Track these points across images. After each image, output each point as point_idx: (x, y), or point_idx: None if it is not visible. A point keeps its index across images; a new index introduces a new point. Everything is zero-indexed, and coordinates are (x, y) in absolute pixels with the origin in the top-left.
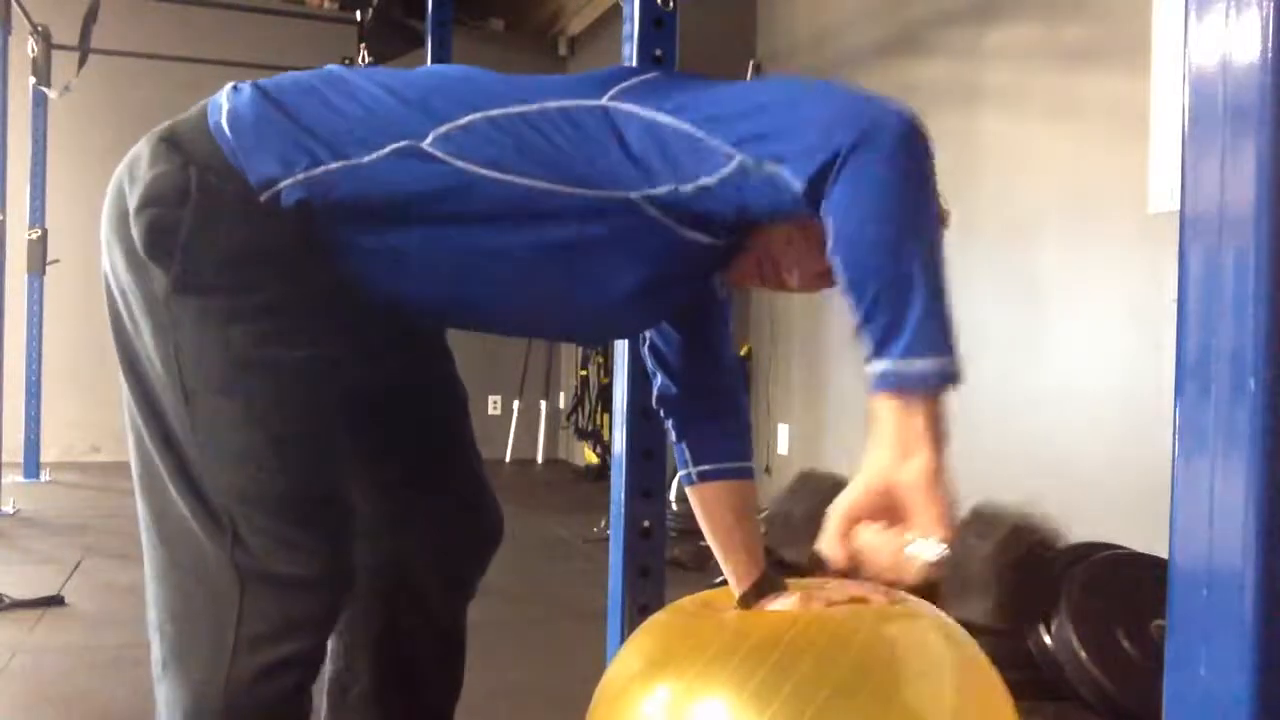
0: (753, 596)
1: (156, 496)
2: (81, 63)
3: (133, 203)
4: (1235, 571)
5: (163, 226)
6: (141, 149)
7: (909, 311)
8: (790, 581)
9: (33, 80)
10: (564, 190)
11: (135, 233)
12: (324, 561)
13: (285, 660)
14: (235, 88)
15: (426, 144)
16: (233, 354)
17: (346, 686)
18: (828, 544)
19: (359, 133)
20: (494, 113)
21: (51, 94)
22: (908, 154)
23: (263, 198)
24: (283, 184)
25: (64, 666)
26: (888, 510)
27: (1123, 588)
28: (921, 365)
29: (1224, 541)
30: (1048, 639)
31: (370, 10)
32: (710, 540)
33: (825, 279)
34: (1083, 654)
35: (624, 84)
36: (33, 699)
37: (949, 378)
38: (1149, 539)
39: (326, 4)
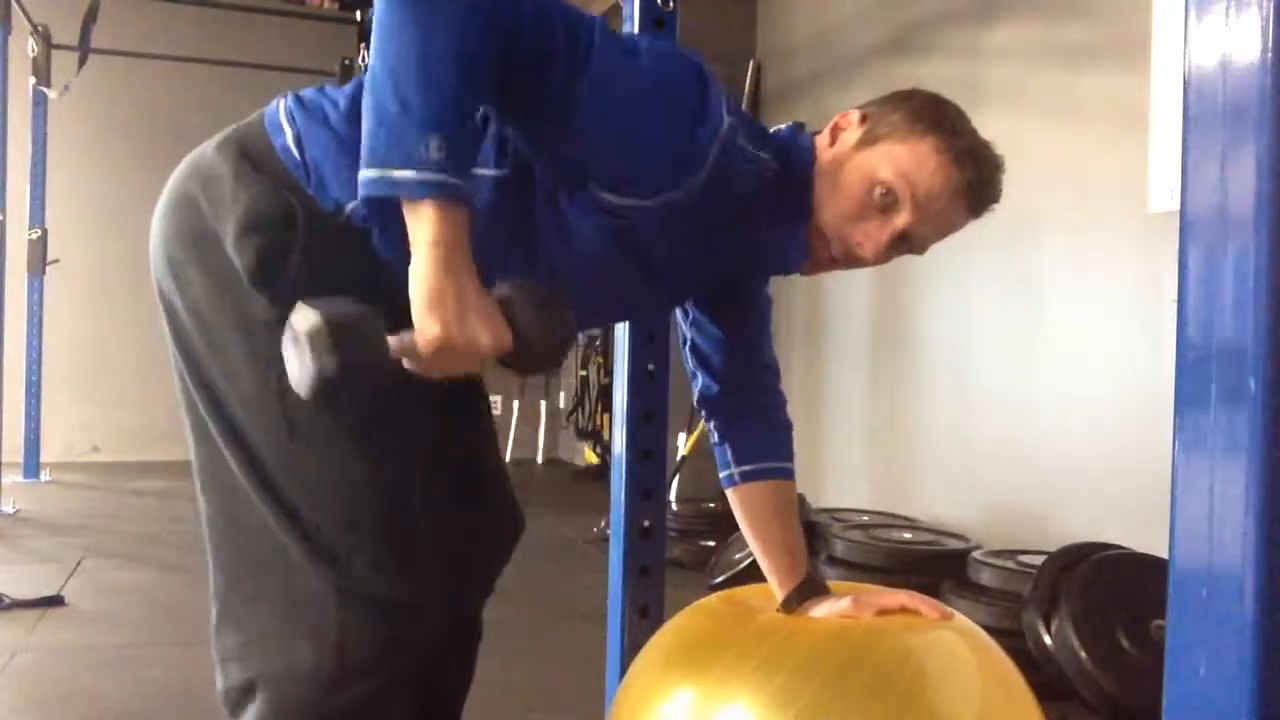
0: (796, 600)
1: (242, 515)
2: (81, 63)
3: (231, 226)
4: (1235, 571)
5: (273, 253)
6: (216, 163)
7: (368, 132)
8: (833, 585)
9: (33, 80)
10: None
11: (241, 260)
12: (426, 586)
13: (385, 688)
14: (289, 110)
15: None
16: None
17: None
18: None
19: None
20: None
21: (51, 94)
22: None
23: (342, 219)
24: (348, 207)
25: (64, 666)
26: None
27: (1123, 588)
28: (367, 175)
29: (1224, 541)
30: (1048, 639)
31: (370, 10)
32: (750, 541)
33: (871, 234)
34: (1083, 654)
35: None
36: (33, 699)
37: (377, 185)
38: (1149, 539)
39: (326, 4)
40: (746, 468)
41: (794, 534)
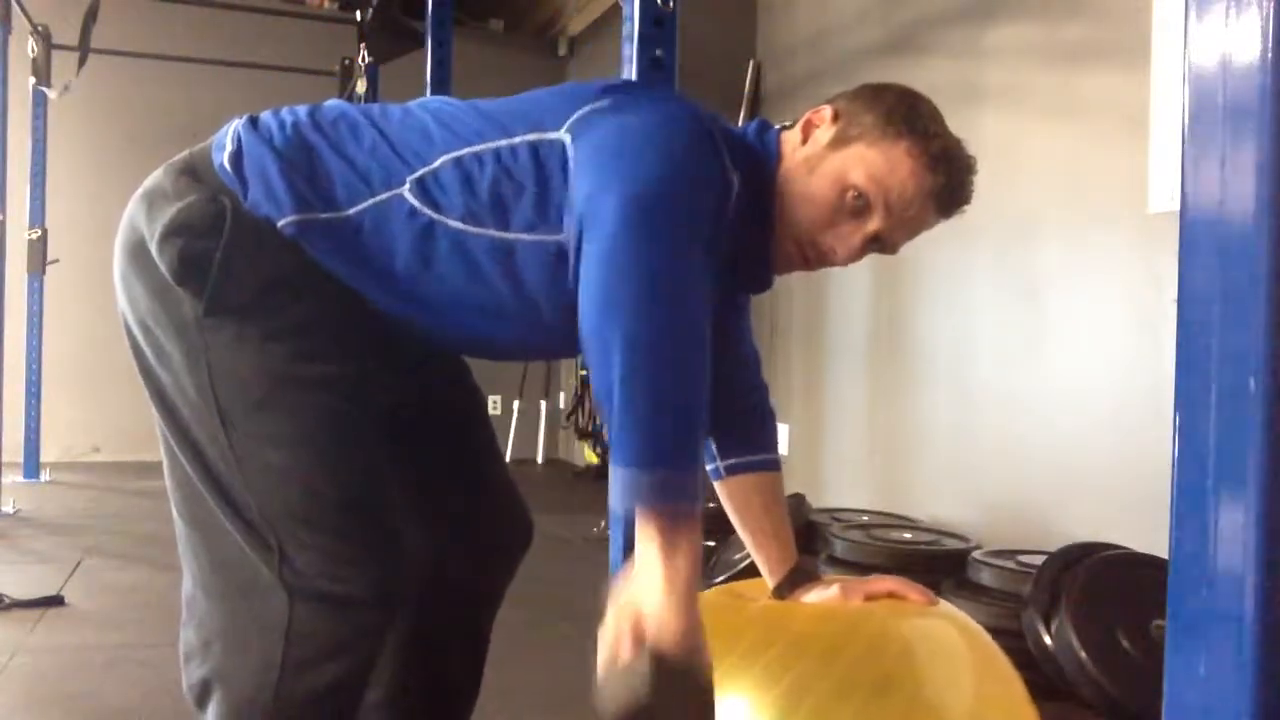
0: (787, 588)
1: (203, 519)
2: (81, 63)
3: (157, 231)
4: (1235, 571)
5: (194, 253)
6: (161, 180)
7: (613, 421)
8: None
9: (33, 80)
10: (528, 239)
11: (164, 259)
12: (374, 578)
13: (333, 683)
14: (237, 130)
15: (406, 191)
16: (270, 371)
17: (365, 689)
18: (601, 654)
19: (347, 185)
20: (462, 152)
21: (51, 94)
22: (621, 245)
23: (274, 231)
24: (280, 222)
25: (64, 666)
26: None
27: (1123, 588)
28: (623, 475)
29: (1224, 542)
30: (1048, 639)
31: (370, 10)
32: (741, 532)
33: (840, 236)
34: (1083, 654)
35: (587, 110)
36: (33, 699)
37: (653, 491)
38: (1149, 539)
39: (326, 4)
40: (732, 461)
41: (782, 523)
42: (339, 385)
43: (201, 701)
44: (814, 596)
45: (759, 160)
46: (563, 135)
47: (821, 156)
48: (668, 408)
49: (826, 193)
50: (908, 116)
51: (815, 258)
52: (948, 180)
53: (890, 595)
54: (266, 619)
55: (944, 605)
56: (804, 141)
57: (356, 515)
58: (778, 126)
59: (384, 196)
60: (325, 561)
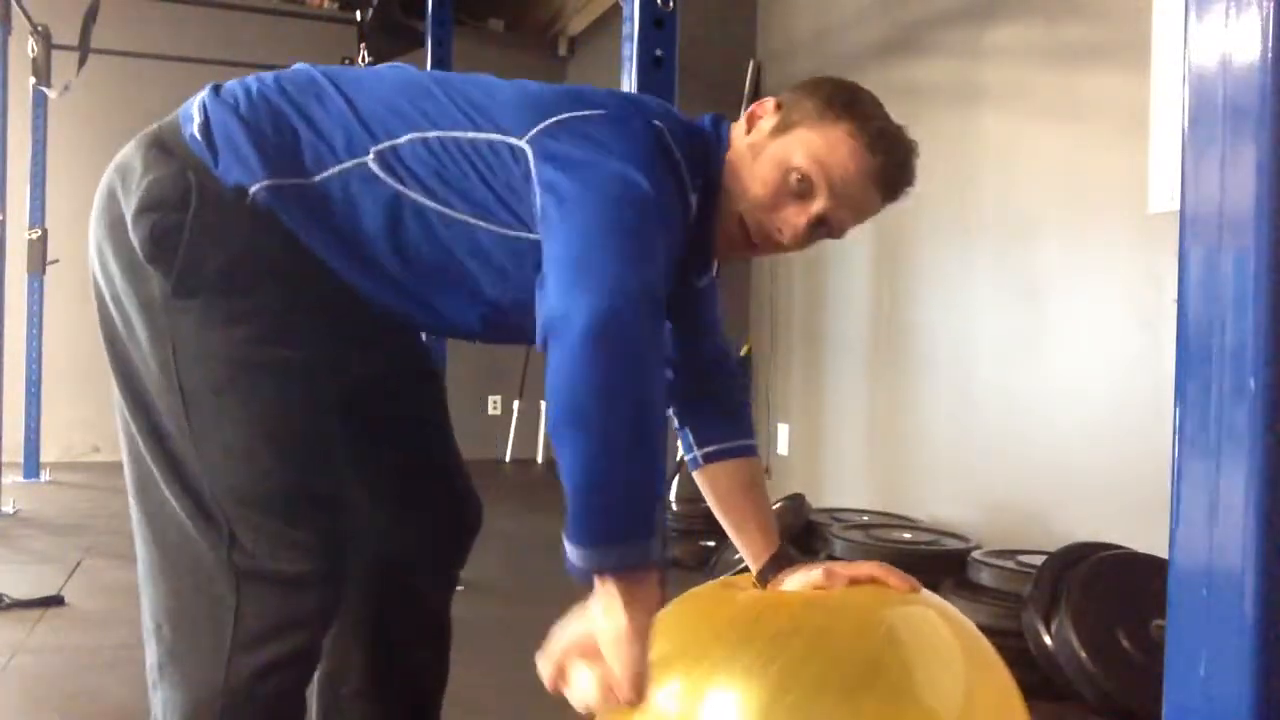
0: (770, 572)
1: (151, 500)
2: (81, 63)
3: (131, 207)
4: (1235, 571)
5: (165, 231)
6: (131, 155)
7: (570, 501)
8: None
9: (33, 80)
10: (487, 227)
11: (136, 237)
12: (320, 559)
13: (282, 659)
14: (203, 100)
15: (370, 160)
16: (232, 354)
17: (338, 684)
18: (544, 667)
19: (314, 151)
20: (430, 134)
21: (51, 94)
22: (588, 353)
23: (247, 200)
24: (251, 188)
25: (64, 666)
26: (594, 654)
27: (1123, 588)
28: (572, 553)
29: (1224, 541)
30: (1048, 639)
31: (370, 10)
32: (722, 520)
33: (787, 215)
34: (1083, 654)
35: (553, 119)
36: (33, 699)
37: (592, 568)
38: (1149, 539)
39: (326, 4)
40: (710, 449)
41: (763, 510)
42: (298, 370)
43: (157, 684)
44: (798, 579)
45: (712, 152)
46: (524, 145)
47: (765, 143)
48: (624, 492)
49: (770, 175)
50: (847, 101)
51: (761, 241)
52: (888, 159)
53: (873, 579)
54: (214, 599)
55: (925, 592)
56: (748, 131)
57: (307, 499)
58: (729, 120)
59: (348, 164)
60: (274, 543)
